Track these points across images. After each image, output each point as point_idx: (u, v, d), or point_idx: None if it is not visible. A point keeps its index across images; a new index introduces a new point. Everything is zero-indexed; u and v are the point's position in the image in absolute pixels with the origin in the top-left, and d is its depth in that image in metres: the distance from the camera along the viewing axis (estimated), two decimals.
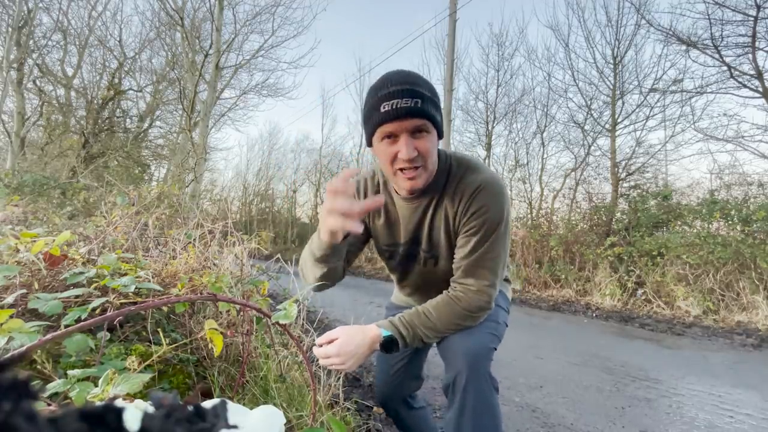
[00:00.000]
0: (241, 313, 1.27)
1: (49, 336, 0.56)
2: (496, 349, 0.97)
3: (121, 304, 0.92)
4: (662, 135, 8.09)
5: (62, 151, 8.38)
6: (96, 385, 0.59)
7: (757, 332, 3.61)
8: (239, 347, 1.30)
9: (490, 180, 0.92)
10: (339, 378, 1.51)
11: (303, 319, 1.85)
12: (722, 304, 4.40)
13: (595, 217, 6.64)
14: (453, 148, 9.41)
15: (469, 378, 0.87)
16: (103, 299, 0.85)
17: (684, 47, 6.56)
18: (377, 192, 1.06)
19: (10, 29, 7.36)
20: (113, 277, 0.99)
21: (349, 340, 0.89)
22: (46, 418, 0.13)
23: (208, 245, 1.71)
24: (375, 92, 0.85)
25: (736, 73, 6.03)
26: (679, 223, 5.62)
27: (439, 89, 10.03)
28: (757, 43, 5.73)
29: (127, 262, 1.23)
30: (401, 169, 0.87)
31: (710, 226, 5.25)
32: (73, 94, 9.11)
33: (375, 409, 1.70)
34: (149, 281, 1.11)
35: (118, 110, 9.62)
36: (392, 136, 0.85)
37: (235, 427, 0.18)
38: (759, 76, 5.76)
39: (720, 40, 6.00)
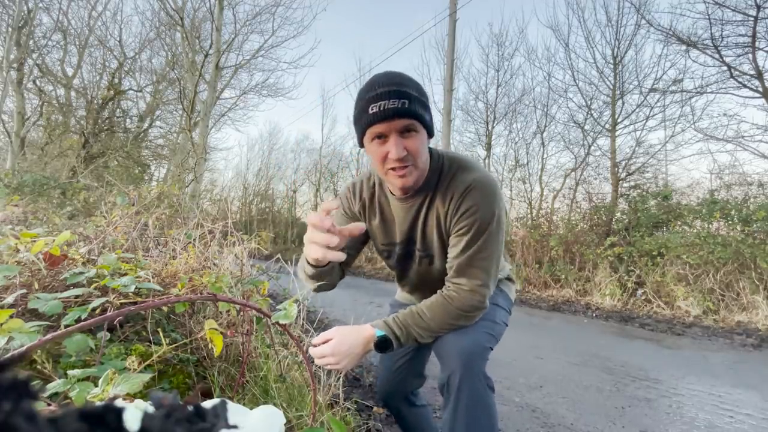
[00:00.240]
0: (241, 313, 1.27)
1: (49, 336, 0.56)
2: (492, 349, 0.97)
3: (121, 304, 0.92)
4: (662, 135, 8.10)
5: (62, 151, 8.38)
6: (96, 385, 0.59)
7: (757, 332, 3.61)
8: (239, 347, 1.30)
9: (481, 179, 0.92)
10: (339, 378, 1.51)
11: (303, 319, 1.85)
12: (722, 304, 4.40)
13: (595, 217, 6.64)
14: (453, 148, 9.41)
15: (463, 377, 0.87)
16: (103, 299, 0.85)
17: (684, 47, 6.56)
18: (373, 193, 1.07)
19: (10, 29, 7.36)
20: (113, 277, 0.99)
21: (343, 340, 0.90)
22: (46, 418, 0.13)
23: (208, 245, 1.71)
24: (363, 94, 0.86)
25: (736, 73, 6.03)
26: (679, 223, 5.62)
27: (439, 89, 10.04)
28: (757, 43, 5.73)
29: (127, 262, 1.23)
30: (392, 169, 0.88)
31: (710, 226, 5.25)
32: (73, 94, 9.11)
33: (375, 409, 1.70)
34: (149, 281, 1.11)
35: (118, 110, 9.62)
36: (382, 137, 0.86)
37: (235, 427, 0.18)
38: (759, 76, 5.76)
39: (720, 40, 6.00)
